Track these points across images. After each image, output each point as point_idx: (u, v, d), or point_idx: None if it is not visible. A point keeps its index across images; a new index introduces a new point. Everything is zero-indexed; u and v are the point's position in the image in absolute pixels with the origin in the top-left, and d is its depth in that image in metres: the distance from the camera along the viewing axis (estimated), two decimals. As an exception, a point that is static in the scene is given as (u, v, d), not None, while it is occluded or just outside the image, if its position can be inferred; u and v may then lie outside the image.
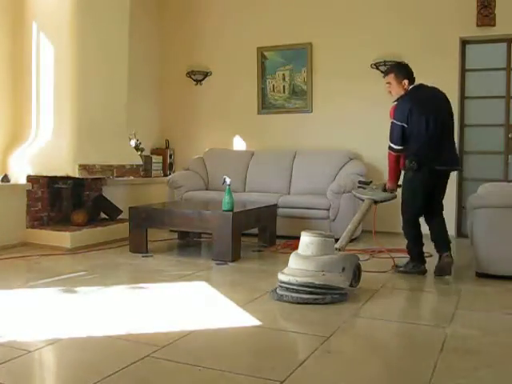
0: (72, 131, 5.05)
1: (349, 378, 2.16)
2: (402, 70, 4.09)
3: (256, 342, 2.63)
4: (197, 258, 4.85)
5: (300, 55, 6.59)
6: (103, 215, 5.85)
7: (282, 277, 3.28)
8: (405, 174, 4.07)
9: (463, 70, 6.04)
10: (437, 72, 5.93)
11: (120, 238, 5.34)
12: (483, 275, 3.88)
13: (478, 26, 5.74)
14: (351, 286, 3.39)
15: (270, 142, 6.73)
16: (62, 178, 5.20)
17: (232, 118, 7.00)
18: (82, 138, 5.08)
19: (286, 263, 4.47)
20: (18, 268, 4.25)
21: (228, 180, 4.54)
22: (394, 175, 4.11)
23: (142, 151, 6.51)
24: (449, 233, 6.04)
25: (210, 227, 4.56)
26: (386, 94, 6.17)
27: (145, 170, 6.45)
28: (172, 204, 5.54)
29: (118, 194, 6.11)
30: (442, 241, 4.05)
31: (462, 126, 6.08)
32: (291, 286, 3.19)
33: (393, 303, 3.35)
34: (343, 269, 3.26)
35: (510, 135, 5.89)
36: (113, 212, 5.79)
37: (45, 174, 5.13)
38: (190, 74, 7.10)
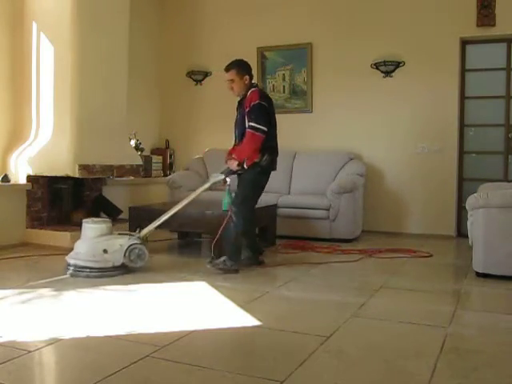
0: (72, 131, 5.05)
1: (349, 377, 2.16)
2: (244, 67, 4.20)
3: (256, 342, 2.63)
4: (197, 257, 4.85)
5: (300, 55, 6.58)
6: (103, 215, 5.85)
7: (67, 258, 3.97)
8: (252, 167, 4.04)
9: (463, 70, 6.03)
10: (437, 72, 5.95)
11: (120, 238, 5.33)
12: (483, 275, 3.88)
13: (478, 26, 5.74)
14: (132, 265, 3.98)
15: (270, 142, 6.71)
16: (62, 177, 5.20)
17: (232, 118, 6.95)
18: (82, 137, 5.08)
19: (285, 263, 4.51)
20: (18, 268, 4.25)
21: (228, 180, 4.54)
22: (253, 156, 4.02)
23: (141, 151, 6.52)
24: (449, 233, 6.03)
25: (210, 227, 4.56)
26: (386, 93, 6.19)
27: (145, 169, 6.44)
28: (172, 204, 5.50)
29: (118, 194, 6.11)
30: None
31: (462, 125, 6.08)
32: (71, 267, 3.90)
33: (393, 303, 3.34)
34: (105, 251, 3.88)
35: (510, 135, 5.89)
36: (113, 212, 5.79)
37: (45, 174, 5.13)
38: (189, 74, 7.10)
